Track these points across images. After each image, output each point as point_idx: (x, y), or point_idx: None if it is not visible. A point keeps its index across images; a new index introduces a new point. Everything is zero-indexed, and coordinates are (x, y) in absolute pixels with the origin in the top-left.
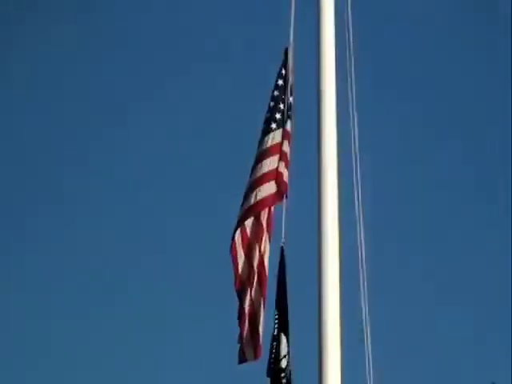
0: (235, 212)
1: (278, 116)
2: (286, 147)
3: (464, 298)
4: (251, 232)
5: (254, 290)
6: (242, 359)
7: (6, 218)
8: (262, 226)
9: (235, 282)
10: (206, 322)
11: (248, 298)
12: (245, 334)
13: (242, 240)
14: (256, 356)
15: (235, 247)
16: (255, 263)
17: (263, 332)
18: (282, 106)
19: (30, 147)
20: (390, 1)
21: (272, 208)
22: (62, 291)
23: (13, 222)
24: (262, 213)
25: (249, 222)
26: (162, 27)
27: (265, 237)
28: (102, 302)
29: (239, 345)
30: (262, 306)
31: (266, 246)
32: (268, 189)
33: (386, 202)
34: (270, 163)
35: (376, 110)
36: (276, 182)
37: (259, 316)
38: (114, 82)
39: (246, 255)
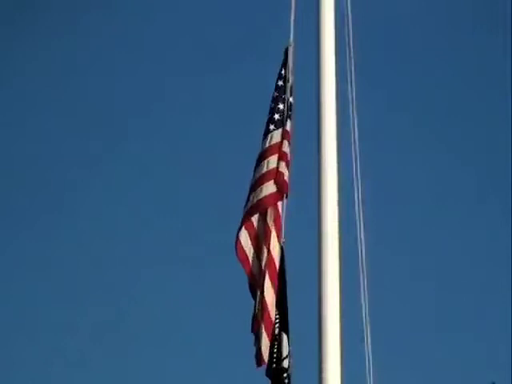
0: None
1: (276, 117)
2: (285, 147)
3: (464, 297)
4: (258, 231)
5: (265, 290)
6: (261, 362)
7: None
8: (268, 225)
9: (248, 281)
10: (205, 323)
11: (260, 299)
12: (262, 336)
13: (251, 239)
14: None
15: (241, 248)
16: (263, 263)
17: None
18: (281, 106)
19: (29, 147)
20: (391, 0)
21: (279, 207)
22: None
23: (13, 222)
24: (269, 211)
25: (255, 222)
26: (162, 27)
27: (273, 236)
28: (104, 302)
29: (256, 347)
30: (274, 306)
31: (274, 244)
32: (268, 188)
33: (386, 202)
34: (270, 163)
35: (376, 110)
36: (276, 182)
37: (273, 317)
38: (114, 82)
39: (255, 254)
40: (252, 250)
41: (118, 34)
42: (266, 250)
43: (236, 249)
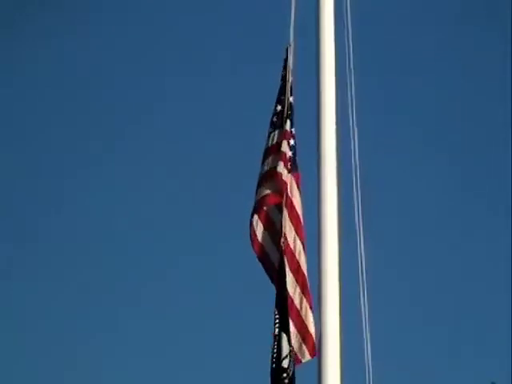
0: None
1: (274, 119)
2: (284, 147)
3: (464, 297)
4: (274, 224)
5: (296, 289)
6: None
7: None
8: (283, 220)
9: (267, 272)
10: (204, 324)
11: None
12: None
13: (266, 230)
14: (311, 354)
15: (257, 240)
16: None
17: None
18: (279, 107)
19: (29, 147)
20: (390, 1)
21: (295, 206)
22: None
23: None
24: (284, 208)
25: (269, 215)
26: (162, 27)
27: (290, 235)
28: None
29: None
30: (305, 302)
31: (295, 240)
32: (266, 189)
33: (387, 203)
34: (269, 164)
35: (376, 110)
36: (274, 182)
37: (307, 312)
38: (115, 81)
39: (274, 246)
40: (268, 243)
41: (118, 34)
42: (282, 245)
43: (252, 242)
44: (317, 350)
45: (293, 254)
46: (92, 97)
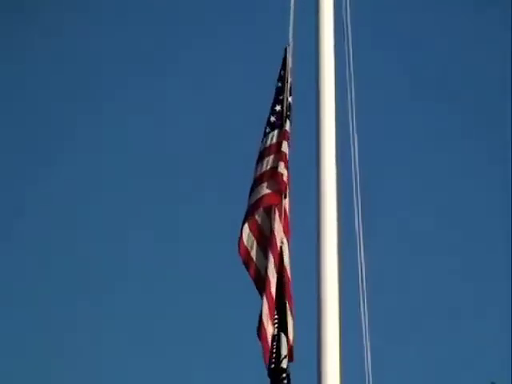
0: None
1: (272, 119)
2: (285, 148)
3: (464, 297)
4: (263, 229)
5: (275, 291)
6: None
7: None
8: (273, 224)
9: (253, 280)
10: (204, 324)
11: (271, 299)
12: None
13: (254, 237)
14: (289, 360)
15: (244, 247)
16: (271, 263)
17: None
18: (278, 107)
19: (28, 148)
20: (390, 1)
21: (285, 207)
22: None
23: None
24: (274, 211)
25: (259, 219)
26: (163, 27)
27: (279, 234)
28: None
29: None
30: (288, 308)
31: (283, 245)
32: (266, 188)
33: (386, 201)
34: (268, 164)
35: (376, 110)
36: (275, 182)
37: (288, 319)
38: (115, 81)
39: (261, 252)
40: (255, 249)
41: (118, 35)
42: (272, 250)
43: (239, 248)
44: (316, 358)
45: (279, 258)
46: (92, 97)
